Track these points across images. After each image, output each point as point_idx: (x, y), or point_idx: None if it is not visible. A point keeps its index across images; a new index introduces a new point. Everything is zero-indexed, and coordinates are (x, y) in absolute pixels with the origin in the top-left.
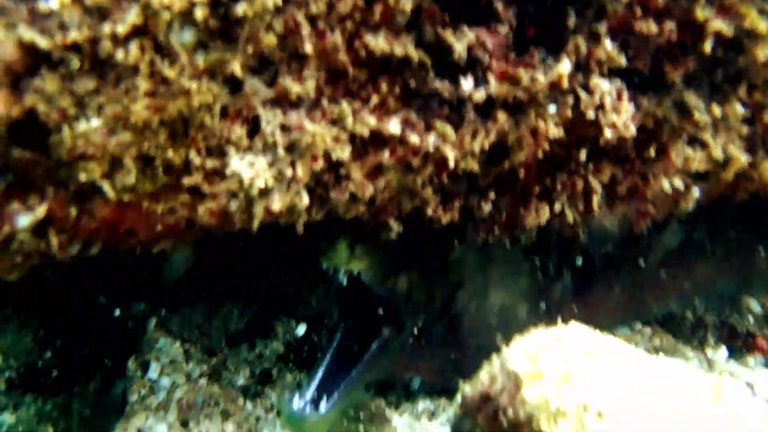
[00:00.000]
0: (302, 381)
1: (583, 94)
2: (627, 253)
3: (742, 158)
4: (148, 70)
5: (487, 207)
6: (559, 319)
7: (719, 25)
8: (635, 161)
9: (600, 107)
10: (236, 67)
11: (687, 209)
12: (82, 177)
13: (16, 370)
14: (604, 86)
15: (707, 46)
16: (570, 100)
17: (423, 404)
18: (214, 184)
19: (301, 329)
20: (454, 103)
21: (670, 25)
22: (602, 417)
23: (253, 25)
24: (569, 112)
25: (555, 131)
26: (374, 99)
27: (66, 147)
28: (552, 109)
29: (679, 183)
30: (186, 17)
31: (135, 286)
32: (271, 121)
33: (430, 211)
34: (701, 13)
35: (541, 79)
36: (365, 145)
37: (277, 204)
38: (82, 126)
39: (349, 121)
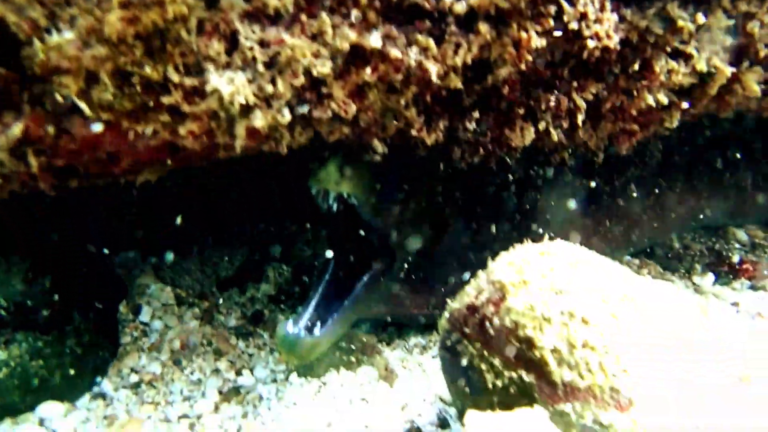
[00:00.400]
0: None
1: (565, 4)
2: (610, 181)
3: (727, 70)
4: None
5: (471, 126)
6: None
7: None
8: (619, 77)
9: (583, 17)
10: None
11: (672, 126)
12: (59, 93)
13: (6, 309)
14: None
15: None
16: (552, 9)
17: (415, 339)
18: (194, 103)
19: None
20: (436, 16)
21: None
22: (588, 324)
23: None
24: (551, 23)
25: (537, 41)
26: (354, 13)
27: (39, 60)
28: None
29: (663, 98)
30: None
31: (125, 234)
32: (249, 36)
33: (414, 132)
34: None
35: None
36: (347, 62)
37: (259, 121)
38: (54, 38)
39: (329, 35)
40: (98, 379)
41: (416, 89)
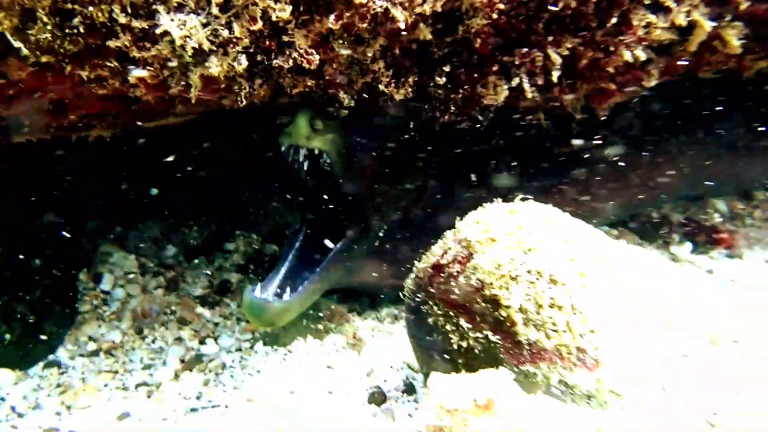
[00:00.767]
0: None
1: None
2: (587, 146)
3: (706, 25)
4: None
5: (441, 81)
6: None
7: None
8: (596, 32)
9: None
10: None
11: (649, 86)
12: None
13: None
14: None
15: None
16: None
17: (387, 309)
18: (144, 48)
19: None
20: None
21: None
22: (556, 283)
23: None
24: None
25: None
26: None
27: None
28: None
29: (641, 54)
30: None
31: (89, 202)
32: None
33: (382, 87)
34: None
35: None
36: (309, 8)
37: (214, 68)
38: None
39: None
40: (53, 347)
41: (384, 41)
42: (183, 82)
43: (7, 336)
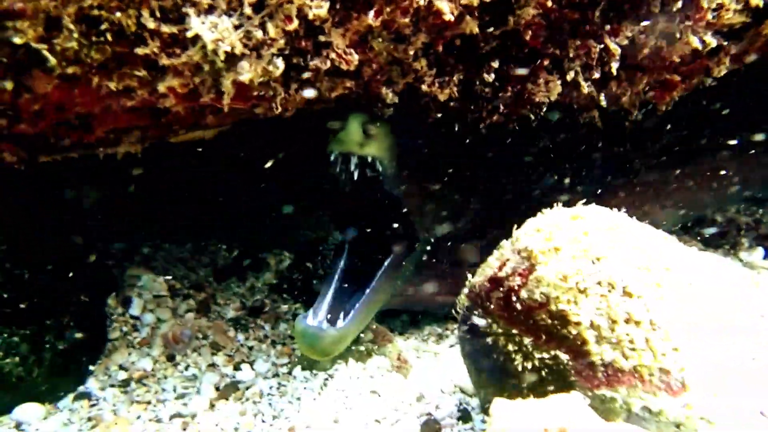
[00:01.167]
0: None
1: None
2: (644, 145)
3: None
4: None
5: (490, 78)
6: None
7: None
8: (659, 17)
9: None
10: None
11: (718, 75)
12: (16, 39)
13: None
14: None
15: None
16: None
17: (429, 328)
18: (173, 55)
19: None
20: None
21: None
22: (631, 295)
23: None
24: None
25: None
26: None
27: None
28: None
29: (711, 39)
30: None
31: (115, 223)
32: None
33: (425, 88)
34: None
35: None
36: (347, 4)
37: (248, 73)
38: None
39: None
40: (83, 377)
41: (426, 37)
42: (214, 90)
43: (36, 368)
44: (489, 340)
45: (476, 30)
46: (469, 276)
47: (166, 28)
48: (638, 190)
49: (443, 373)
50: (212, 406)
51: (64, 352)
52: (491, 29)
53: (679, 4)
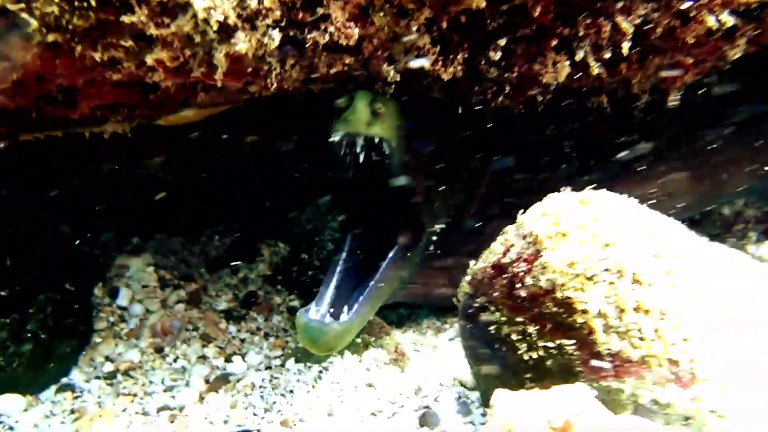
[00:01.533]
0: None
1: None
2: (654, 133)
3: None
4: None
5: (496, 56)
6: None
7: None
8: None
9: None
10: None
11: (733, 58)
12: None
13: None
14: None
15: None
16: None
17: (428, 321)
18: (162, 25)
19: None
20: None
21: None
22: (640, 283)
23: None
24: None
25: None
26: None
27: None
28: None
29: (728, 18)
30: None
31: (104, 212)
32: None
33: (428, 66)
34: None
35: None
36: None
37: (242, 45)
38: None
39: None
40: (67, 369)
41: (430, 12)
42: (206, 64)
43: (17, 359)
44: (491, 328)
45: (483, 4)
46: (471, 262)
47: None
48: (647, 180)
49: (442, 366)
50: (201, 398)
51: (47, 342)
52: (499, 4)
53: None
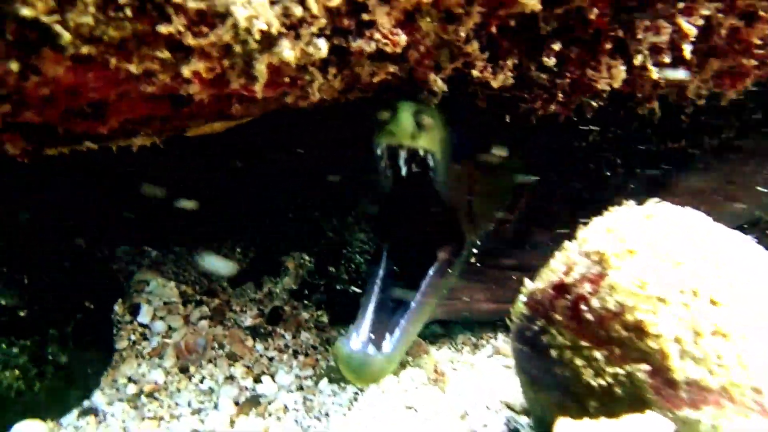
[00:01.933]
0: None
1: None
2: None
3: None
4: None
5: (551, 62)
6: None
7: None
8: None
9: None
10: None
11: None
12: (24, 12)
13: None
14: None
15: None
16: None
17: (463, 336)
18: (200, 34)
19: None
20: None
21: None
22: (717, 304)
23: None
24: None
25: None
26: None
27: None
28: None
29: None
30: None
31: (121, 225)
32: None
33: (476, 73)
34: None
35: None
36: None
37: (287, 53)
38: None
39: None
40: (89, 391)
41: (479, 17)
42: (245, 75)
43: (38, 382)
44: (554, 353)
45: (539, 7)
46: (527, 281)
47: (192, 3)
48: (695, 189)
49: (484, 386)
50: (232, 422)
51: (68, 364)
52: (553, 7)
53: None
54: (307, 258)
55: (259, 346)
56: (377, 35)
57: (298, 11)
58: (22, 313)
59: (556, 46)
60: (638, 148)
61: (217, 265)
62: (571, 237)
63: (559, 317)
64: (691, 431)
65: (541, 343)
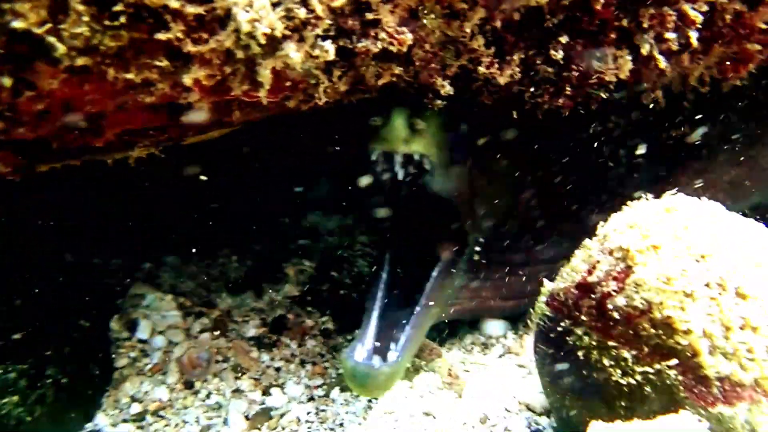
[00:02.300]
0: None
1: None
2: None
3: None
4: None
5: (558, 55)
6: None
7: None
8: None
9: None
10: None
11: None
12: (15, 25)
13: None
14: None
15: None
16: None
17: (471, 337)
18: (200, 41)
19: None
20: None
21: None
22: (745, 297)
23: None
24: None
25: None
26: None
27: None
28: None
29: None
30: None
31: (113, 237)
32: None
33: (482, 70)
34: None
35: None
36: None
37: (294, 56)
38: None
39: None
40: (91, 413)
41: (484, 12)
42: (249, 81)
43: (38, 407)
44: (580, 354)
45: (544, 0)
46: (546, 282)
47: (191, 8)
48: (701, 176)
49: (499, 387)
50: None
51: (68, 386)
52: None
53: None
54: (307, 263)
55: (265, 357)
56: (382, 34)
57: (301, 13)
58: (17, 336)
59: (564, 39)
60: (642, 139)
61: None
62: (577, 230)
63: (584, 317)
64: (727, 428)
65: (567, 345)
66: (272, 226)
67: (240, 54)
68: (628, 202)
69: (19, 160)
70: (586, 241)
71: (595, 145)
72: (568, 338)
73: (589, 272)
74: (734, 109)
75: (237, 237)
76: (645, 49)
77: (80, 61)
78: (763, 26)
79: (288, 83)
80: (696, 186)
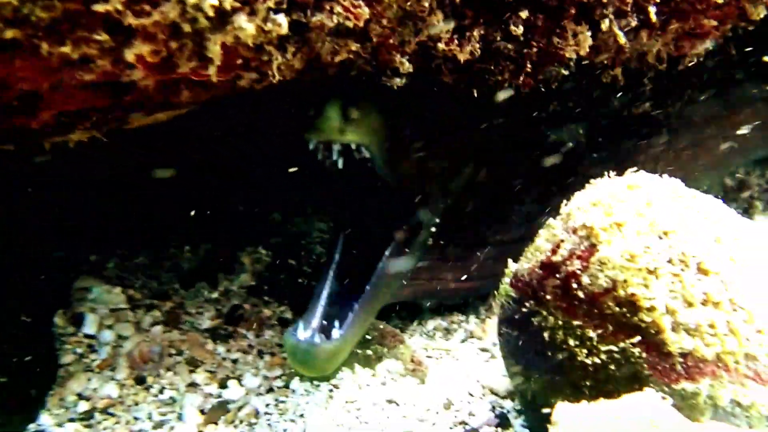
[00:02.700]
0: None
1: None
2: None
3: None
4: None
5: (518, 30)
6: None
7: None
8: None
9: None
10: None
11: (756, 19)
12: None
13: None
14: None
15: None
16: None
17: (434, 322)
18: (143, 14)
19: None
20: None
21: None
22: (707, 272)
23: None
24: None
25: None
26: None
27: None
28: None
29: None
30: None
31: (54, 229)
32: None
33: (442, 46)
34: None
35: None
36: None
37: (246, 27)
38: None
39: None
40: (34, 413)
41: None
42: (197, 57)
43: None
44: (546, 335)
45: None
46: (510, 263)
47: None
48: (660, 154)
49: (462, 372)
50: None
51: (8, 386)
52: None
53: None
54: (263, 251)
55: (221, 349)
56: (338, 8)
57: None
58: None
59: (524, 14)
60: (601, 117)
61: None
62: (538, 210)
63: (549, 297)
64: (690, 404)
65: (532, 326)
66: (227, 215)
67: (187, 27)
68: (591, 180)
69: None
70: (550, 221)
71: (554, 123)
72: (533, 319)
73: (554, 252)
74: (692, 86)
75: (190, 227)
76: (605, 25)
77: (9, 34)
78: (719, 1)
79: (239, 60)
80: (656, 164)
